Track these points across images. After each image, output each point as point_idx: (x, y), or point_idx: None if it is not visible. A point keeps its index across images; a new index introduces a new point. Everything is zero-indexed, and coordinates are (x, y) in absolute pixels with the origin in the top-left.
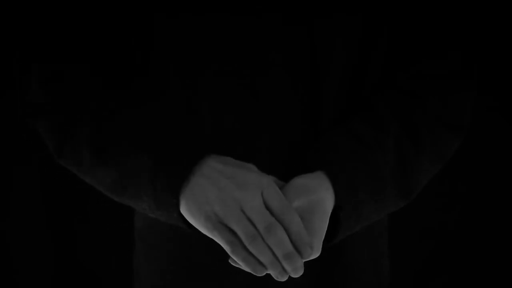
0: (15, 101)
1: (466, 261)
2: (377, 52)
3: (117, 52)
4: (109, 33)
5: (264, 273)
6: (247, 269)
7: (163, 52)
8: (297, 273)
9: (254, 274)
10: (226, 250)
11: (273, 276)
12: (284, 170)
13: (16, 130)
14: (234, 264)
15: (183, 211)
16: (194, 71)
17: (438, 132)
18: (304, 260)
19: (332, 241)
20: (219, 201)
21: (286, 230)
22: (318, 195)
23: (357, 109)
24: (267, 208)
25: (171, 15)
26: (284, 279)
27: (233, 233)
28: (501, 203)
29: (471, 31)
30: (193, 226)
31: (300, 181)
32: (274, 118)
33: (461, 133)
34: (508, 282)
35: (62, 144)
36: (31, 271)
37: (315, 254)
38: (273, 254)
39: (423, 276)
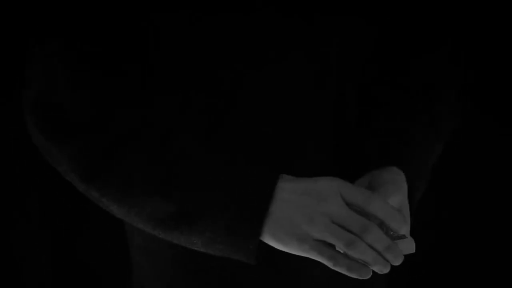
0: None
1: (465, 257)
2: (376, 52)
3: (117, 52)
4: (109, 33)
5: (370, 275)
6: (353, 275)
7: (163, 52)
8: (399, 261)
9: (361, 278)
10: (328, 265)
11: (376, 271)
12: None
13: (15, 129)
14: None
15: (268, 240)
16: (195, 71)
17: (450, 121)
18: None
19: None
20: (308, 220)
21: (382, 219)
22: (405, 188)
23: (361, 105)
24: (351, 206)
25: (171, 15)
26: (387, 270)
27: (329, 245)
28: (501, 201)
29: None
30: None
31: (387, 176)
32: (276, 115)
33: (459, 117)
34: (507, 280)
35: (101, 168)
36: (30, 270)
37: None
38: (374, 250)
39: (422, 271)
